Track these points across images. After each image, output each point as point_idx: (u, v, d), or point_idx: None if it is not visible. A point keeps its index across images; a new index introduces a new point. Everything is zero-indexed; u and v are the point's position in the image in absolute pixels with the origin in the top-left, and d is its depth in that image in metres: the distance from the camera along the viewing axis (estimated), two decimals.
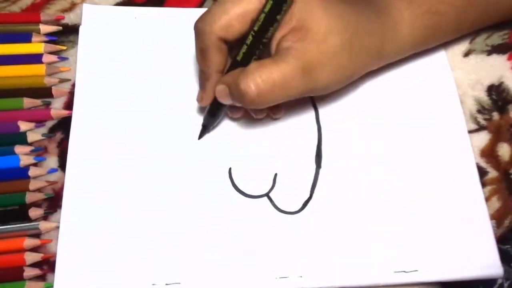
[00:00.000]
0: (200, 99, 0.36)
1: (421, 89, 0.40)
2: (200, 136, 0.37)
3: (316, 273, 0.33)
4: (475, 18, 0.40)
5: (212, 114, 0.36)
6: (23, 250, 0.33)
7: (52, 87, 0.38)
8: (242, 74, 0.32)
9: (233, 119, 0.38)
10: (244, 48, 0.33)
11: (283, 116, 0.38)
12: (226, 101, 0.34)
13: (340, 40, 0.33)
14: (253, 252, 0.34)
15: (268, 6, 0.31)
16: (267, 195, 0.36)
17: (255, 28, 0.32)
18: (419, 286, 0.34)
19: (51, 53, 0.39)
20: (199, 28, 0.33)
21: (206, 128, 0.37)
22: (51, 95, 0.38)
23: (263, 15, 0.32)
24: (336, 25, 0.33)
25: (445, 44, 0.42)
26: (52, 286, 0.32)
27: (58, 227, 0.34)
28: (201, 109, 0.38)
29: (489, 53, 0.42)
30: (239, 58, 0.34)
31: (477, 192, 0.37)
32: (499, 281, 0.35)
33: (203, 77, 0.35)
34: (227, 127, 0.38)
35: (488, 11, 0.40)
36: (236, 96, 0.33)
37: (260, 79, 0.31)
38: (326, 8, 0.33)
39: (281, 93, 0.32)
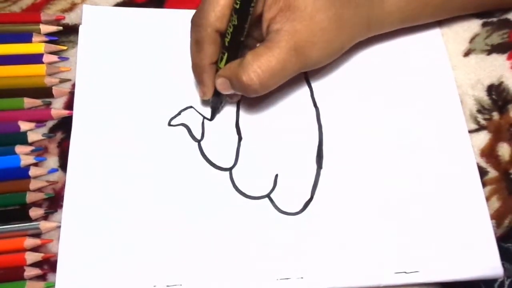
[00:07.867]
0: (202, 93, 0.37)
1: (422, 89, 0.40)
2: (212, 117, 0.38)
3: (317, 274, 0.33)
4: None
5: (217, 94, 0.37)
6: (23, 250, 0.33)
7: (53, 87, 0.38)
8: (241, 68, 0.33)
9: (232, 103, 0.39)
10: (230, 29, 0.34)
11: (284, 116, 0.38)
12: (227, 92, 0.35)
13: (327, 16, 0.34)
14: (254, 253, 0.34)
15: None
16: (268, 196, 0.36)
17: (237, 6, 0.32)
18: (420, 287, 0.34)
19: (51, 53, 0.39)
20: (196, 21, 0.34)
21: (216, 109, 0.38)
22: (51, 95, 0.38)
23: None
24: (322, 2, 0.34)
25: (445, 44, 0.42)
26: (53, 286, 0.32)
27: (58, 227, 0.34)
28: (202, 106, 0.38)
29: (489, 52, 0.42)
30: (226, 42, 0.34)
31: (478, 192, 0.37)
32: (500, 279, 0.36)
33: (198, 71, 0.36)
34: (227, 127, 0.38)
35: None
36: (238, 88, 0.34)
37: (260, 69, 0.33)
38: None
39: (280, 77, 0.34)
